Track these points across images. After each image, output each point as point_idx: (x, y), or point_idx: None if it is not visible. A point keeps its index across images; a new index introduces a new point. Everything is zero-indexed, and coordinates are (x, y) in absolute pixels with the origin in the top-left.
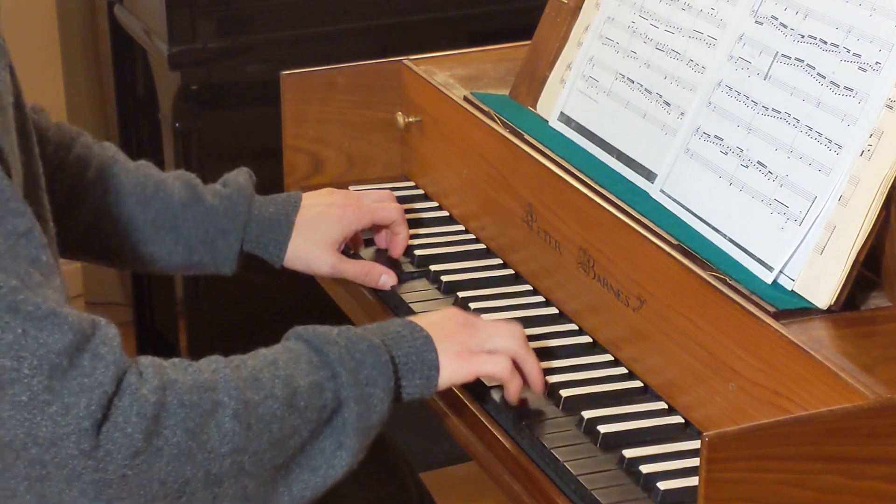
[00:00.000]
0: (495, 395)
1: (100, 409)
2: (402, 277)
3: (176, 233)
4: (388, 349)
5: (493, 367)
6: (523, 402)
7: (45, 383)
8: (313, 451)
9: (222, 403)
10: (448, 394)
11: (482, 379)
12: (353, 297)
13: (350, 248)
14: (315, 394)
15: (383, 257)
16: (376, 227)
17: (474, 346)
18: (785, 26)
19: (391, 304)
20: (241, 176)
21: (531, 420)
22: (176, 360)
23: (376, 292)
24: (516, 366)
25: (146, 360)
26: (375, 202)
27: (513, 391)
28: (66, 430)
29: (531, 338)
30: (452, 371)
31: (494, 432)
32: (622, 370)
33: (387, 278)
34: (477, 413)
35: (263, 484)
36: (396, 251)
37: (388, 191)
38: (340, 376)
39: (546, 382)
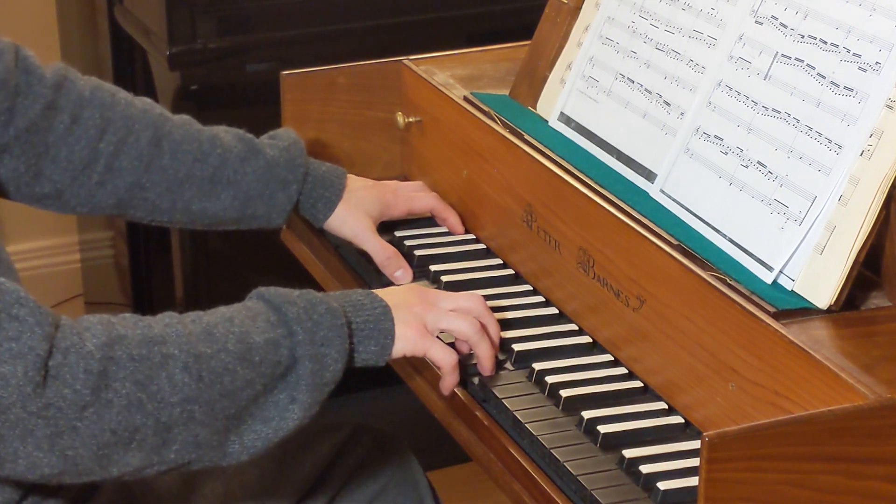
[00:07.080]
0: (497, 395)
1: (37, 373)
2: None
3: (234, 187)
4: (346, 314)
5: (439, 356)
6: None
7: None
8: (267, 404)
9: (172, 356)
10: (449, 395)
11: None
12: None
13: None
14: (270, 350)
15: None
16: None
17: (430, 322)
18: (785, 26)
19: None
20: (290, 132)
21: (530, 419)
22: (127, 314)
23: None
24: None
25: (94, 318)
26: (411, 192)
27: (446, 385)
28: (11, 399)
29: (530, 338)
30: (406, 342)
31: (495, 433)
32: (622, 370)
33: (402, 273)
34: (478, 414)
35: (216, 432)
36: (457, 230)
37: (421, 182)
38: (297, 335)
39: (492, 368)
